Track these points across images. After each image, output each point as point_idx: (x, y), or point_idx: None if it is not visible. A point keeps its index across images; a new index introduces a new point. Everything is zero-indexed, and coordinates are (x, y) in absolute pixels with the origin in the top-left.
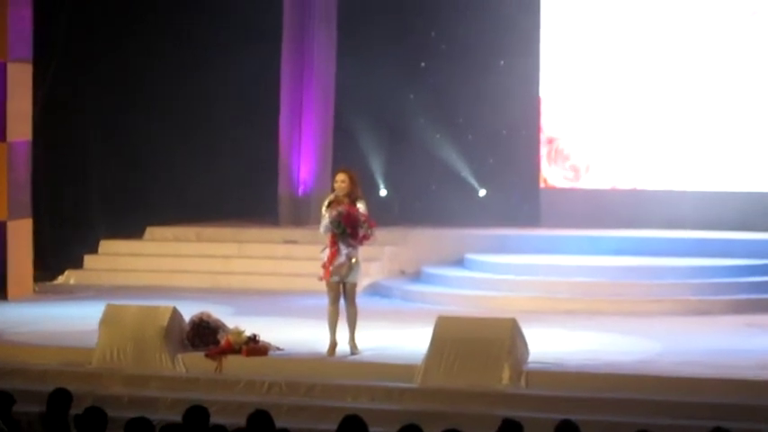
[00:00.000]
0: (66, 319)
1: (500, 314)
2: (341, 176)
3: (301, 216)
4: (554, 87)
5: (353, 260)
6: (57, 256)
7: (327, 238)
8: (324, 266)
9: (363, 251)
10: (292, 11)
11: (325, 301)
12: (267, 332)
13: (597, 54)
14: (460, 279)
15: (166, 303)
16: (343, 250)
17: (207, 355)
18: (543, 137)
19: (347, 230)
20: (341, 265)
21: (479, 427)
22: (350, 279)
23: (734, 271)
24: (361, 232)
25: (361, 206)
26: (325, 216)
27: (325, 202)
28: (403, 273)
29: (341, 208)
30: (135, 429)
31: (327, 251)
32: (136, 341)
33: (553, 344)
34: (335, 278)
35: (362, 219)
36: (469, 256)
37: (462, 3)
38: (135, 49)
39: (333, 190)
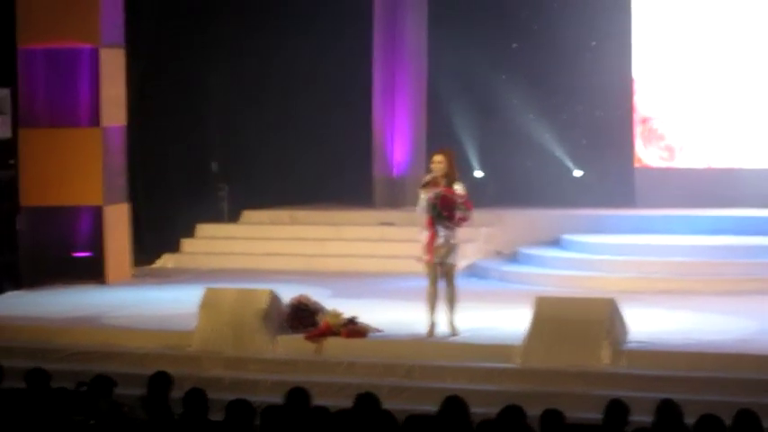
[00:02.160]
0: (164, 303)
1: (597, 294)
2: (438, 157)
3: (397, 198)
4: (647, 67)
5: (452, 242)
6: (154, 239)
7: (425, 221)
8: (425, 249)
9: (459, 233)
10: None
11: (421, 283)
12: (365, 314)
13: (690, 33)
14: (557, 259)
15: (263, 287)
16: (441, 232)
17: (306, 338)
18: (637, 117)
19: (443, 213)
20: (440, 247)
21: (580, 407)
22: (449, 260)
23: None
24: (458, 214)
25: (458, 188)
26: (422, 197)
27: (422, 183)
28: (499, 254)
29: (438, 190)
30: (236, 411)
31: (426, 233)
32: (235, 324)
33: (651, 324)
34: (435, 259)
35: (459, 200)
36: (566, 236)
37: None
38: (228, 32)
39: (429, 171)
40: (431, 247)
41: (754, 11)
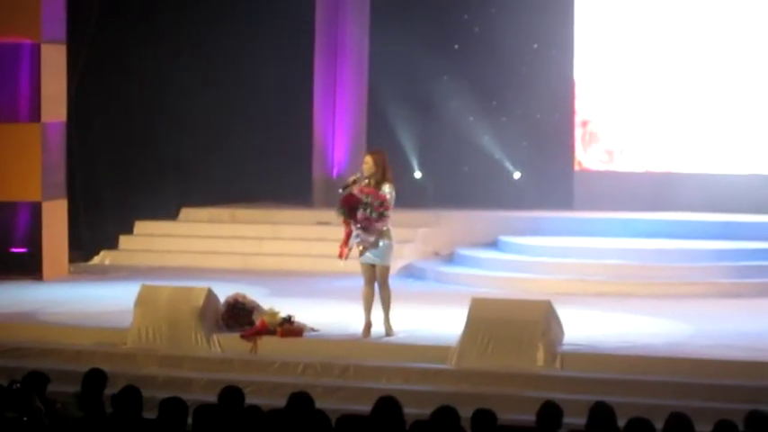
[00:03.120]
0: (100, 300)
1: (533, 296)
2: (366, 158)
3: (335, 198)
4: (588, 70)
5: (382, 242)
6: (92, 236)
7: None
8: (340, 246)
9: (397, 233)
10: None
11: (359, 283)
12: (302, 313)
13: (631, 37)
14: (494, 261)
15: (201, 284)
16: (355, 231)
17: (242, 336)
18: (577, 120)
19: (345, 211)
20: (358, 245)
21: (514, 409)
22: (381, 262)
23: (765, 254)
24: (360, 214)
25: (386, 189)
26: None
27: (345, 183)
28: (436, 254)
29: (355, 189)
30: (169, 409)
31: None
32: (171, 322)
33: (586, 326)
34: (362, 259)
35: (364, 200)
36: (503, 238)
37: None
38: (170, 31)
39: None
40: (344, 244)
41: (693, 16)
